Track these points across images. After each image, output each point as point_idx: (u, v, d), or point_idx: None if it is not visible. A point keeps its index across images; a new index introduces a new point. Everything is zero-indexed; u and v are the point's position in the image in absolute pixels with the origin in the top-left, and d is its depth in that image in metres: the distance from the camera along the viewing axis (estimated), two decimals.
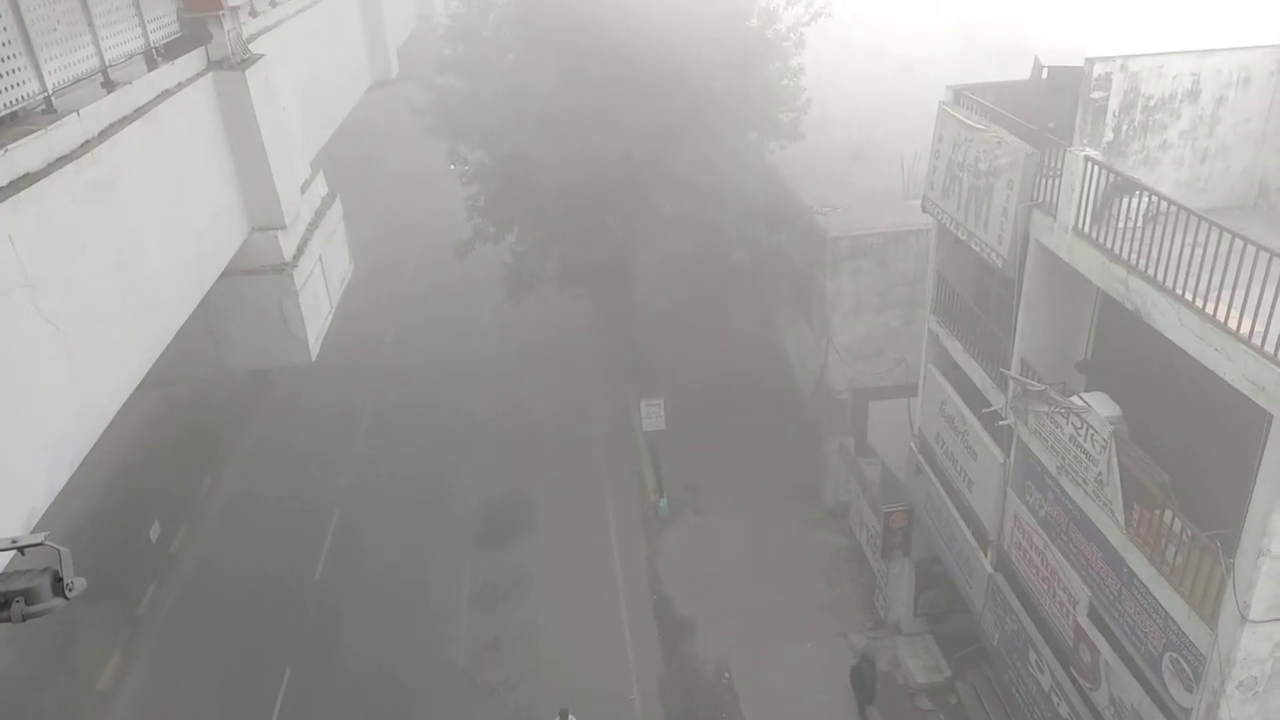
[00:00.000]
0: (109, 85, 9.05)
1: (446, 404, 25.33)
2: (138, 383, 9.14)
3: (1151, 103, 11.45)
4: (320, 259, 14.36)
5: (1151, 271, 9.64)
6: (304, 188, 14.52)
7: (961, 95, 14.04)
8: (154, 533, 20.09)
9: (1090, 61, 11.16)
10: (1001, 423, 13.19)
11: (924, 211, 15.33)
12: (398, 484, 22.37)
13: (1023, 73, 14.83)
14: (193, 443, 23.17)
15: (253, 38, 13.24)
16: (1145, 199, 10.17)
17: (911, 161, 19.02)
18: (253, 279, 12.63)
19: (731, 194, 20.35)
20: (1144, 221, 10.11)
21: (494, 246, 23.21)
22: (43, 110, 7.85)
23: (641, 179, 20.56)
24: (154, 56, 10.33)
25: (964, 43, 29.01)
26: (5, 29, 7.37)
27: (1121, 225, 10.44)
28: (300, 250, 13.38)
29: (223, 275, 11.73)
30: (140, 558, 19.50)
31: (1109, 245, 10.49)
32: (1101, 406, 11.07)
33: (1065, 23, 29.25)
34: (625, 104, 19.57)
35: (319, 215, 14.95)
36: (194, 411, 23.49)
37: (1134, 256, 10.00)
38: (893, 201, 19.74)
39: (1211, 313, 8.76)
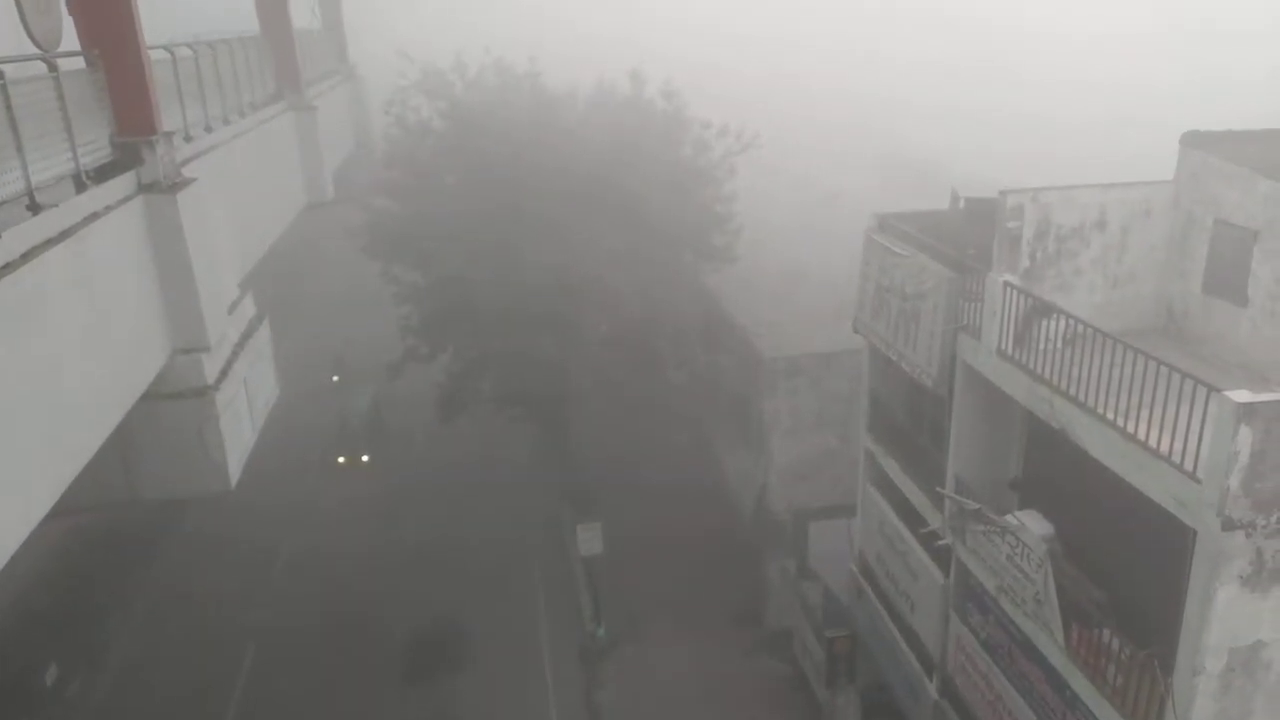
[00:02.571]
0: (34, 208, 8.83)
1: (372, 531, 24.43)
2: (45, 513, 8.57)
3: (1063, 231, 12.11)
4: (245, 382, 13.94)
5: (1074, 391, 9.95)
6: (231, 308, 14.23)
7: (886, 223, 14.68)
8: (50, 676, 18.53)
9: (1004, 193, 11.82)
10: (940, 543, 13.23)
11: (856, 332, 15.74)
12: (317, 618, 21.21)
13: (941, 202, 15.64)
14: (98, 578, 21.74)
15: (186, 161, 13.20)
16: (1063, 322, 10.61)
17: (842, 284, 19.66)
18: (172, 403, 12.14)
19: (668, 315, 20.68)
20: (1064, 343, 10.51)
21: (427, 367, 22.99)
22: None
23: (577, 300, 20.78)
24: (83, 180, 10.17)
25: (885, 172, 30.62)
26: None
27: (1043, 347, 10.84)
28: (224, 373, 12.98)
29: (140, 398, 11.26)
30: (32, 704, 17.92)
31: (1032, 366, 10.84)
32: (1035, 525, 11.19)
33: (978, 153, 31.19)
34: (562, 227, 19.95)
35: (245, 336, 14.61)
36: (101, 544, 22.14)
37: (1056, 377, 10.33)
38: (825, 323, 20.28)
39: (1132, 431, 9.03)
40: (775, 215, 26.54)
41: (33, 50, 10.52)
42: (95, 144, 10.90)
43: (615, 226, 20.29)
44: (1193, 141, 12.23)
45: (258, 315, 15.68)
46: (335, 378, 32.86)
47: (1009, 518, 11.51)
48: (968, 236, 13.25)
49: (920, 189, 20.08)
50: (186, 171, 12.69)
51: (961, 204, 14.75)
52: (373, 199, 23.80)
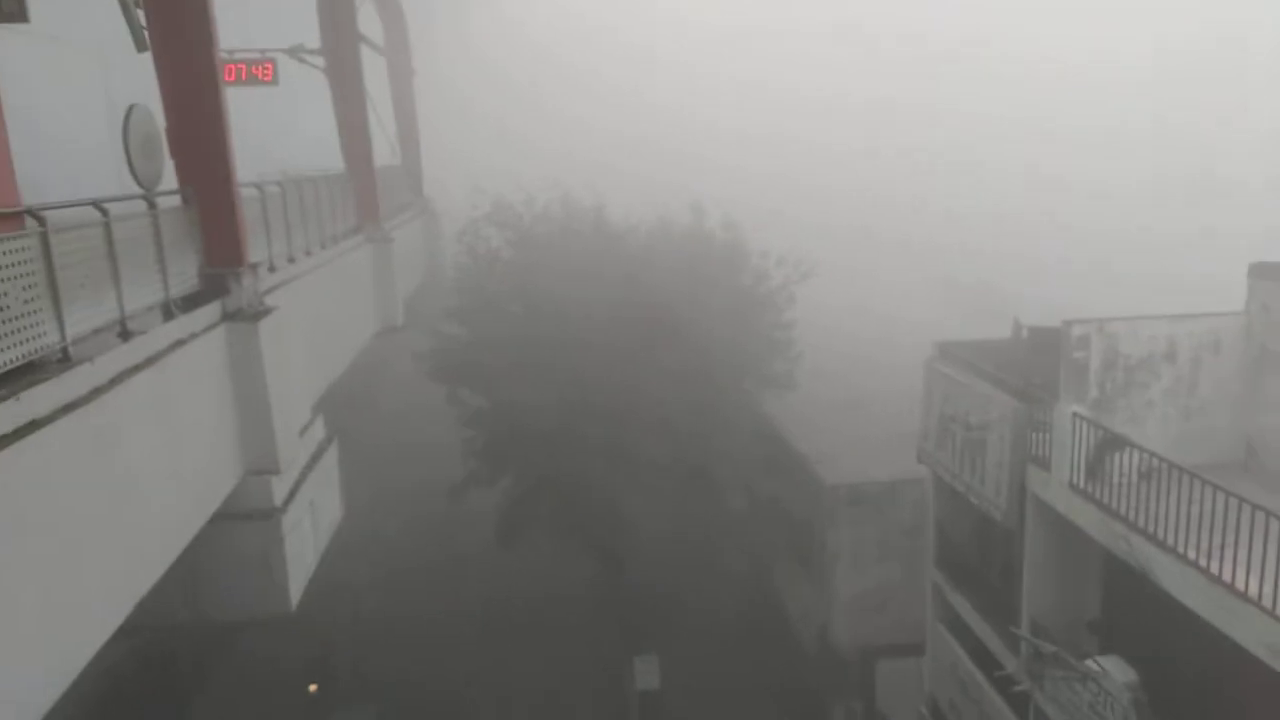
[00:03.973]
0: (125, 335, 9.36)
1: (425, 662, 24.06)
2: (112, 632, 8.70)
3: (1132, 362, 11.87)
4: (311, 504, 14.20)
5: (1152, 529, 9.53)
6: (302, 431, 14.64)
7: (947, 351, 14.59)
8: None
9: (1068, 324, 11.70)
10: (1017, 688, 12.51)
11: (920, 462, 15.43)
12: None
13: (1002, 325, 15.55)
14: (154, 701, 21.67)
15: (269, 290, 13.90)
16: (1137, 456, 10.27)
17: (904, 412, 19.44)
18: (240, 524, 12.39)
19: (727, 442, 20.60)
20: (1139, 478, 10.15)
21: (488, 490, 23.11)
22: (59, 359, 8.06)
23: (637, 427, 20.87)
24: (172, 309, 10.78)
25: (945, 295, 30.69)
26: (35, 285, 7.74)
27: (1117, 481, 10.47)
28: (292, 495, 13.26)
29: (209, 519, 11.52)
30: None
31: (1106, 501, 10.45)
32: (1118, 671, 10.54)
33: (1038, 277, 31.13)
34: (622, 354, 20.28)
35: (314, 459, 14.96)
36: (158, 666, 22.16)
37: (1133, 514, 9.93)
38: (888, 451, 19.94)
39: (1217, 572, 8.57)
40: (835, 341, 26.61)
41: (135, 190, 11.38)
42: (185, 274, 11.60)
43: (675, 353, 20.54)
44: (1262, 273, 12.04)
45: (327, 438, 16.09)
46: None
47: (1089, 663, 10.88)
48: (1032, 365, 13.08)
49: (981, 313, 20.02)
50: (269, 300, 13.36)
51: (1024, 333, 14.63)
52: (441, 325, 24.60)
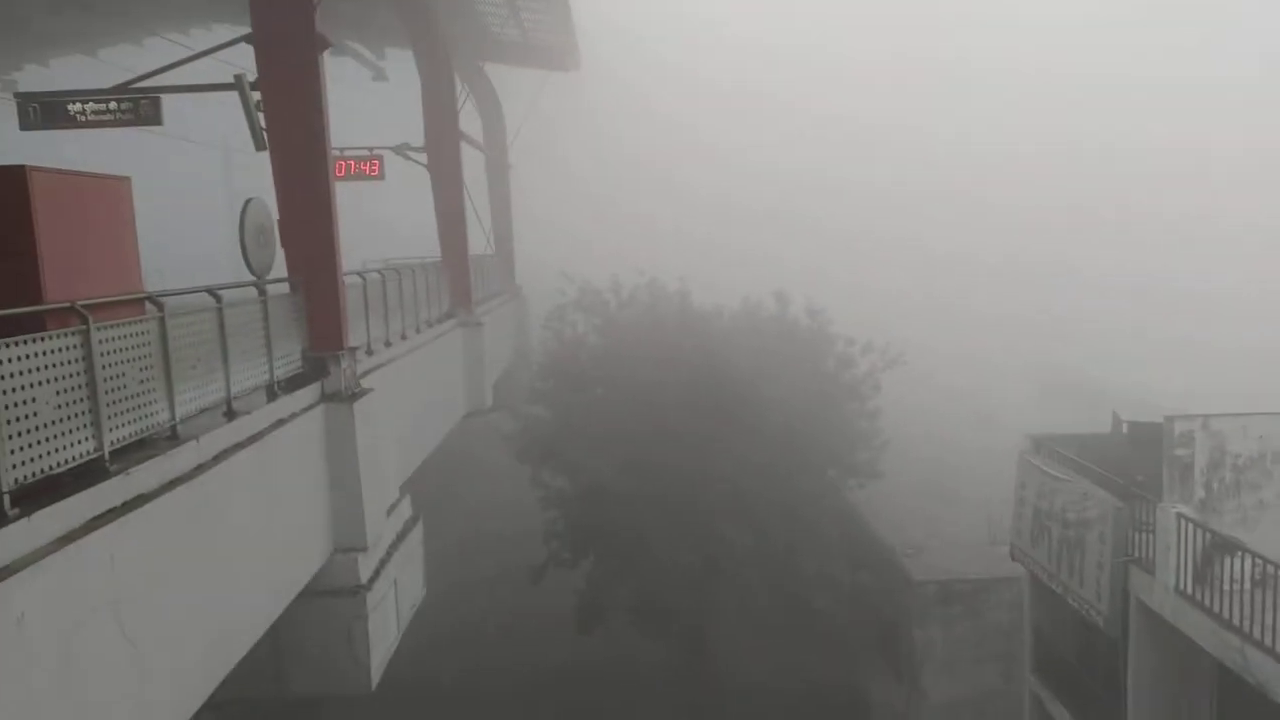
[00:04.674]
0: (230, 415, 9.87)
1: None
2: (199, 706, 8.93)
3: (1241, 461, 11.26)
4: (395, 582, 14.42)
5: (1269, 642, 8.89)
6: (390, 510, 14.99)
7: (1042, 445, 14.12)
8: None
9: (1170, 419, 11.23)
10: None
11: (1014, 560, 14.81)
12: None
13: (1100, 417, 14.97)
14: None
15: (365, 373, 14.48)
16: (1251, 561, 9.67)
17: (996, 506, 18.74)
18: (326, 600, 12.66)
19: (810, 531, 20.17)
20: (1253, 585, 9.53)
21: (569, 572, 23.07)
22: (168, 437, 8.54)
23: (718, 514, 20.66)
24: (275, 390, 11.33)
25: (1037, 386, 29.75)
26: (151, 367, 8.28)
27: (1228, 588, 9.85)
28: (377, 573, 13.51)
29: (297, 594, 11.82)
30: None
31: (1217, 609, 9.82)
32: None
33: (1136, 364, 29.96)
34: (704, 440, 20.24)
35: (400, 538, 15.26)
36: None
37: (1247, 624, 9.29)
38: (979, 546, 19.21)
39: None
40: (922, 431, 26.03)
41: (248, 278, 12.13)
42: (289, 357, 12.21)
43: (757, 440, 20.41)
44: None
45: (413, 517, 16.41)
46: None
47: None
48: (1133, 462, 12.54)
49: (1076, 405, 19.35)
50: (365, 382, 13.90)
51: (1124, 428, 14.07)
52: (527, 407, 25.07)
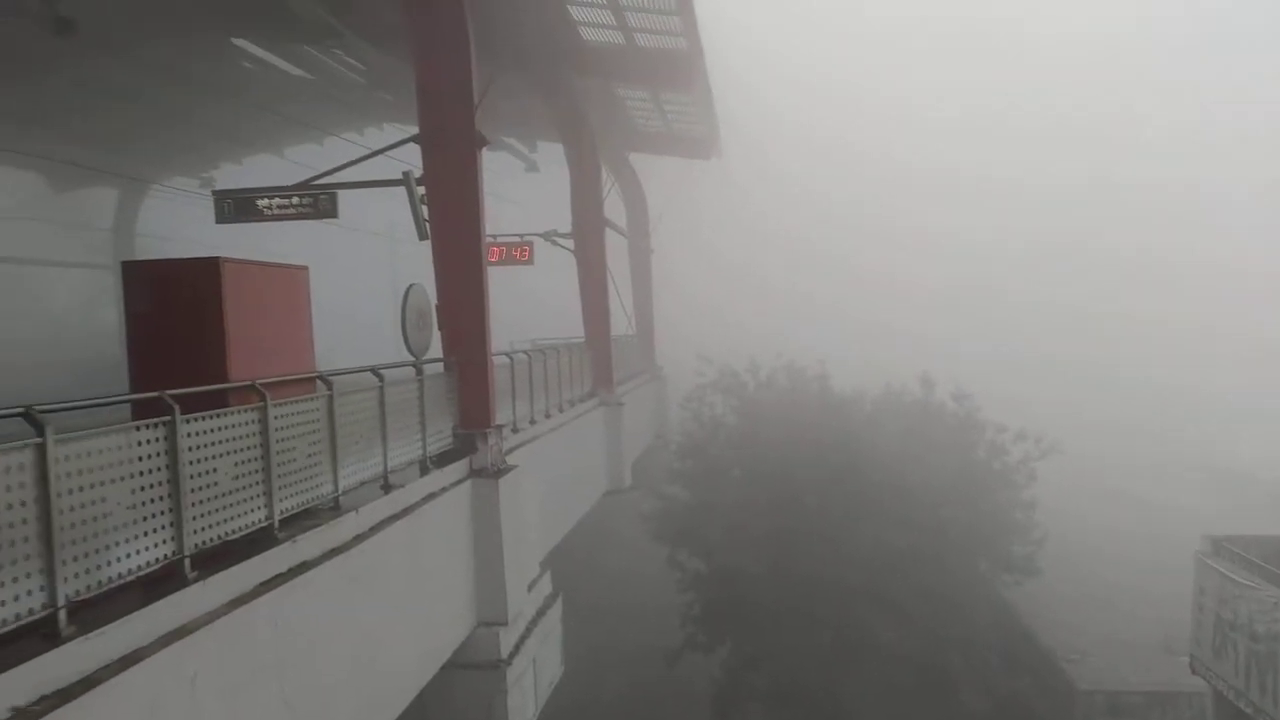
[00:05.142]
0: (387, 488, 10.39)
1: None
2: None
3: None
4: (534, 659, 14.53)
5: None
6: (531, 586, 15.23)
7: (1222, 547, 12.95)
8: None
9: None
10: None
11: (1193, 673, 13.49)
12: None
13: None
14: None
15: (510, 450, 14.95)
16: None
17: (1168, 610, 17.20)
18: (468, 673, 12.89)
19: (961, 629, 19.05)
20: None
21: (705, 657, 22.61)
22: (330, 508, 9.07)
23: (858, 603, 19.86)
24: (427, 465, 11.87)
25: (1207, 476, 27.38)
26: (319, 442, 8.87)
27: None
28: (517, 648, 13.68)
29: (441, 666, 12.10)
30: None
31: None
32: None
33: None
34: (843, 526, 19.65)
35: (540, 614, 15.43)
36: None
37: None
38: (1151, 654, 17.61)
39: None
40: (1083, 527, 24.33)
41: (407, 358, 12.87)
42: (441, 433, 12.78)
43: (901, 529, 19.62)
44: None
45: (552, 594, 16.60)
46: None
47: None
48: None
49: (1251, 500, 17.67)
50: (510, 459, 14.35)
51: None
52: (666, 487, 25.12)
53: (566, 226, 24.67)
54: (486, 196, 14.13)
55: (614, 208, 28.65)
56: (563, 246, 24.93)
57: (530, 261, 24.90)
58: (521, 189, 31.55)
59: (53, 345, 26.02)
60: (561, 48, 20.06)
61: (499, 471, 13.45)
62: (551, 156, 28.16)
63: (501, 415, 14.81)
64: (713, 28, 20.65)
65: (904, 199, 57.65)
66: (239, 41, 21.96)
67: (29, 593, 5.29)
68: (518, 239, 24.91)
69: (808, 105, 58.76)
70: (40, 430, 5.46)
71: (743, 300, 51.17)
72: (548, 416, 18.76)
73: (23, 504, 5.32)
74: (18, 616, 5.20)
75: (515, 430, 16.03)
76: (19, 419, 5.49)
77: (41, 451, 5.44)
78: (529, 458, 15.53)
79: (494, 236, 22.84)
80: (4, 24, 16.13)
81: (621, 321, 31.00)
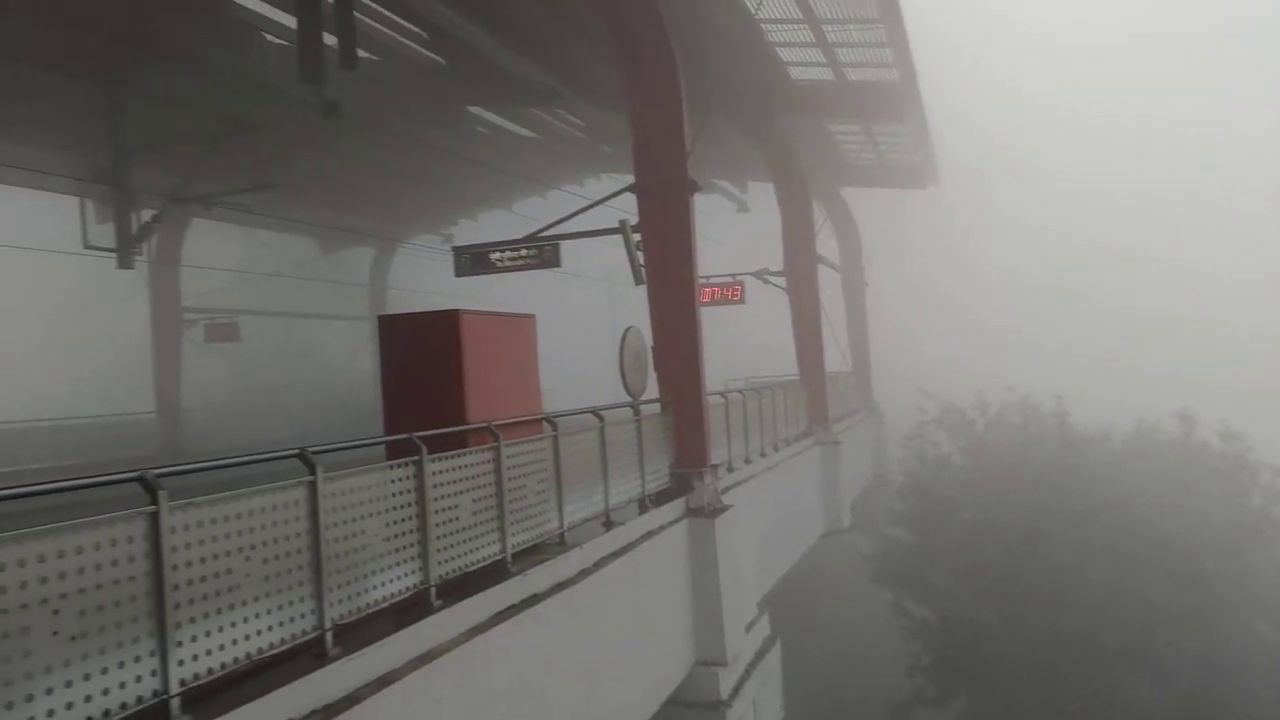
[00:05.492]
0: (608, 525, 10.75)
1: None
2: None
3: None
4: (754, 702, 14.37)
5: None
6: (749, 627, 15.11)
7: None
8: None
9: None
10: None
11: None
12: None
13: None
14: None
15: (725, 489, 15.01)
16: None
17: None
18: (688, 712, 12.94)
19: (1237, 698, 16.84)
20: None
21: (936, 712, 21.38)
22: (557, 543, 9.51)
23: (1110, 664, 18.07)
24: (645, 503, 12.16)
25: None
26: (546, 480, 9.35)
27: None
28: (736, 690, 13.58)
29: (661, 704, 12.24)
30: None
31: None
32: None
33: None
34: (1087, 578, 18.01)
35: (758, 656, 15.26)
36: None
37: None
38: None
39: None
40: None
41: (625, 398, 13.30)
42: (658, 472, 13.07)
43: (1156, 584, 17.71)
44: None
45: (770, 636, 16.37)
46: None
47: None
48: None
49: None
50: (725, 498, 14.41)
51: None
52: (887, 529, 24.21)
53: (778, 264, 24.64)
54: (699, 239, 14.45)
55: (825, 243, 28.30)
56: (775, 285, 24.90)
57: (742, 301, 25.07)
58: (732, 229, 31.89)
59: (323, 390, 29.24)
60: (771, 89, 20.25)
61: (715, 511, 13.53)
62: (762, 195, 28.33)
63: (717, 454, 14.92)
64: (924, 55, 20.10)
65: (1118, 225, 52.98)
66: (473, 109, 23.96)
67: (303, 615, 5.95)
68: (730, 279, 25.17)
69: (1018, 129, 55.69)
70: (312, 469, 6.15)
71: (957, 334, 48.72)
72: (763, 455, 18.68)
73: (298, 535, 6.00)
74: (294, 637, 5.85)
75: (730, 469, 16.09)
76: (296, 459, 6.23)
77: (313, 489, 6.12)
78: (745, 497, 15.52)
79: (706, 278, 23.20)
80: (283, 111, 18.53)
81: (835, 358, 30.40)
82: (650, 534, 11.87)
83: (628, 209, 14.58)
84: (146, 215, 19.83)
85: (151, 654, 4.84)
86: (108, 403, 23.65)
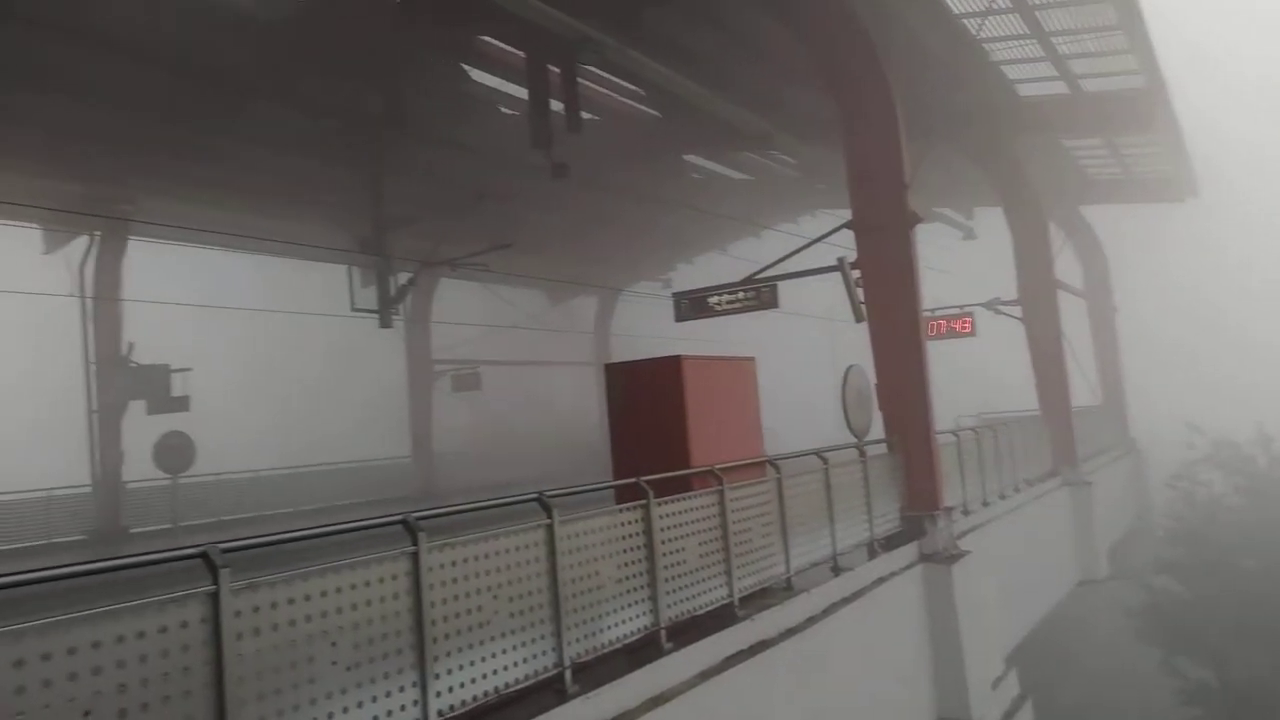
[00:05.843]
0: (836, 571, 10.50)
1: None
2: None
3: None
4: None
5: None
6: (995, 684, 14.10)
7: None
8: None
9: None
10: None
11: None
12: None
13: None
14: None
15: (962, 534, 14.21)
16: None
17: None
18: None
19: None
20: None
21: None
22: (783, 588, 9.41)
23: None
24: (875, 548, 11.76)
25: None
26: (771, 523, 9.31)
27: None
28: None
29: None
30: None
31: None
32: None
33: None
34: None
35: (1006, 717, 14.18)
36: None
37: None
38: None
39: None
40: None
41: (848, 438, 12.97)
42: (886, 516, 12.61)
43: None
44: None
45: (1020, 695, 15.18)
46: None
47: None
48: None
49: None
50: (962, 543, 13.65)
51: None
52: (1152, 578, 21.87)
53: (1011, 293, 23.20)
54: (922, 271, 13.96)
55: (1066, 267, 26.35)
56: (1009, 315, 23.44)
57: (972, 333, 23.78)
58: (959, 258, 30.47)
59: (553, 433, 30.86)
60: (997, 110, 19.28)
61: (951, 556, 12.85)
62: (991, 220, 26.87)
63: (950, 496, 14.20)
64: (1169, 57, 18.39)
65: None
66: (689, 157, 24.65)
67: (544, 653, 6.27)
68: (958, 311, 23.98)
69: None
70: (548, 512, 6.51)
71: (1228, 360, 43.28)
72: (1003, 498, 17.54)
73: (538, 575, 6.35)
74: (536, 673, 6.17)
75: (966, 513, 15.23)
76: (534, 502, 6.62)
77: (550, 531, 6.47)
78: (984, 542, 14.61)
79: (932, 311, 22.28)
80: (517, 176, 20.01)
81: (1082, 390, 28.04)
82: (881, 580, 11.46)
83: (846, 245, 14.37)
84: (402, 279, 21.96)
85: (414, 685, 5.29)
86: (372, 449, 26.23)
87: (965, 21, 15.58)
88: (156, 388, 20.68)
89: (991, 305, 23.86)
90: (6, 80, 14.90)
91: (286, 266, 24.07)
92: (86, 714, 3.81)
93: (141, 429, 20.61)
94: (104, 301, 20.34)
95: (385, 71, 17.59)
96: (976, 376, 31.07)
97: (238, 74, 16.63)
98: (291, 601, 4.73)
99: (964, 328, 23.75)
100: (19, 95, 15.37)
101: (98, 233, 20.03)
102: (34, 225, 19.70)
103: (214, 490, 21.55)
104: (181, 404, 20.93)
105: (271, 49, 16.14)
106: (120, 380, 20.34)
